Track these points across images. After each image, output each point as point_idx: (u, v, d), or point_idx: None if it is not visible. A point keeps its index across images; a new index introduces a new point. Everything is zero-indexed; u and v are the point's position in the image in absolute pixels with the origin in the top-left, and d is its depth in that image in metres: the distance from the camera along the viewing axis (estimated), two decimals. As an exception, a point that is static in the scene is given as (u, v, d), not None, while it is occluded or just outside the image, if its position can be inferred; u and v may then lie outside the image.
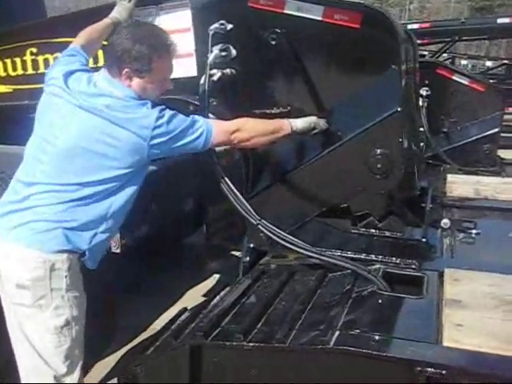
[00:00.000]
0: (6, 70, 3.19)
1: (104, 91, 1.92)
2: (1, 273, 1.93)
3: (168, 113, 1.92)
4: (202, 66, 2.35)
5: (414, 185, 2.56)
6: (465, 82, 4.40)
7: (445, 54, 8.67)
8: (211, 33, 2.30)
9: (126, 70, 1.92)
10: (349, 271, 2.20)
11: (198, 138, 1.96)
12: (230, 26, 2.35)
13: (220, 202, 2.65)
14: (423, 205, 2.73)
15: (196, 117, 2.00)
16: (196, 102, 2.52)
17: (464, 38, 7.84)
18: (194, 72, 2.48)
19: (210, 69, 2.29)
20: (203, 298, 2.82)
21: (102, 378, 2.97)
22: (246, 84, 2.39)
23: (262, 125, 2.17)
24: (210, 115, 2.23)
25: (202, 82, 2.25)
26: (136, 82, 1.94)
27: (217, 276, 4.23)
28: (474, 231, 2.68)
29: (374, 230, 2.39)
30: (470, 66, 15.42)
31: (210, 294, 2.45)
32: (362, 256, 2.38)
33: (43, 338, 1.90)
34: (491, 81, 6.30)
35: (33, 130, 2.04)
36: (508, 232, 2.69)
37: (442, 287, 2.09)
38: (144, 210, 3.21)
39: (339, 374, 1.66)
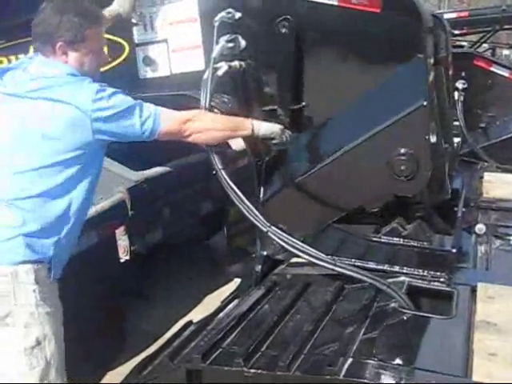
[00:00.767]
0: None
1: (36, 75, 1.80)
2: None
3: (110, 89, 1.78)
4: (209, 59, 2.16)
5: (444, 187, 2.30)
6: (505, 73, 4.07)
7: (485, 45, 8.24)
8: (217, 23, 2.11)
9: (60, 43, 1.79)
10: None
11: (144, 121, 1.79)
12: (238, 15, 2.15)
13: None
14: (455, 209, 2.46)
15: (144, 102, 1.85)
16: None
17: (506, 26, 7.40)
18: (201, 65, 2.29)
19: (216, 62, 2.10)
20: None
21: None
22: (254, 78, 2.18)
23: (221, 119, 2.03)
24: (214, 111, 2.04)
25: (205, 76, 2.05)
26: (72, 56, 1.82)
27: (238, 280, 4.05)
28: (512, 238, 2.41)
29: (397, 239, 2.15)
30: (512, 56, 14.76)
31: (218, 307, 2.25)
32: (385, 267, 2.15)
33: (12, 361, 1.71)
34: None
35: None
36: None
37: (474, 305, 1.84)
38: (156, 214, 3.08)
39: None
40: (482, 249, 2.34)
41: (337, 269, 1.91)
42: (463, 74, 3.88)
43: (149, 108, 1.82)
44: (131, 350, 2.94)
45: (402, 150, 1.97)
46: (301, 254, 1.93)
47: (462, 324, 1.72)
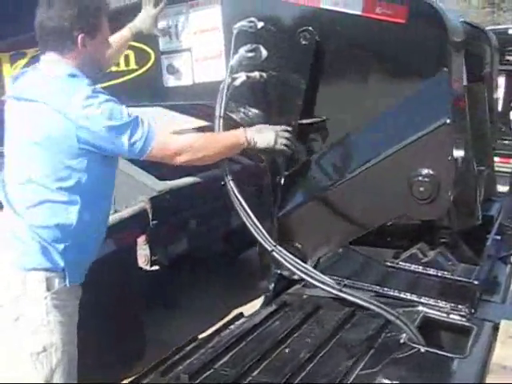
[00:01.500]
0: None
1: (40, 76, 1.77)
2: None
3: (104, 96, 1.69)
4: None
5: (474, 213, 2.13)
6: None
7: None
8: (235, 31, 2.05)
9: (81, 35, 1.74)
10: (381, 312, 1.84)
11: (134, 142, 1.69)
12: (260, 24, 2.09)
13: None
14: (487, 236, 2.27)
15: (142, 118, 1.75)
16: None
17: None
18: (223, 75, 2.24)
19: (234, 71, 2.04)
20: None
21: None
22: (273, 89, 2.11)
23: (213, 142, 1.92)
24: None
25: (221, 86, 2.00)
26: (91, 46, 1.78)
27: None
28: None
29: (416, 266, 2.00)
30: None
31: (223, 323, 2.17)
32: (403, 295, 2.00)
33: (18, 362, 1.72)
34: None
35: None
36: None
37: (492, 345, 1.68)
38: (180, 226, 3.04)
39: None
40: (515, 282, 2.15)
41: (341, 295, 1.79)
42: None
43: (143, 127, 1.72)
44: (148, 361, 2.90)
45: (423, 171, 1.83)
46: (305, 276, 1.83)
47: (475, 365, 1.57)
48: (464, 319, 1.85)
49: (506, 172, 4.14)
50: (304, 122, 2.07)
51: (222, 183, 1.95)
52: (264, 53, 2.10)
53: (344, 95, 2.00)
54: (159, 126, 1.83)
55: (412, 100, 1.85)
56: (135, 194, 2.83)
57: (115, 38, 2.25)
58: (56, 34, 1.75)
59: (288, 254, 1.85)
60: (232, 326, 2.01)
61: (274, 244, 1.87)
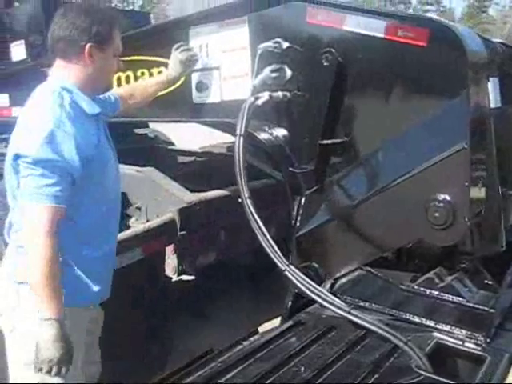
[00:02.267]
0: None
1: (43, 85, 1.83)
2: None
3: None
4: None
5: (498, 238, 2.07)
6: None
7: None
8: (259, 51, 2.10)
9: (90, 44, 1.78)
10: (393, 336, 1.83)
11: (24, 193, 1.67)
12: (286, 45, 2.13)
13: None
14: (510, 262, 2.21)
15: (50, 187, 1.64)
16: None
17: None
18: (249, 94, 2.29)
19: (257, 91, 2.09)
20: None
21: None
22: (297, 109, 2.14)
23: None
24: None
25: (243, 105, 2.05)
26: (98, 58, 1.81)
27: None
28: None
29: (432, 291, 1.97)
30: None
31: (238, 339, 2.20)
32: (418, 320, 1.97)
33: (12, 370, 1.79)
34: None
35: None
36: None
37: (506, 376, 1.64)
38: (209, 237, 3.08)
39: None
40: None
41: (350, 317, 1.79)
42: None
43: (43, 192, 1.63)
44: (170, 368, 2.95)
45: (439, 196, 1.81)
46: (315, 297, 1.84)
47: (481, 397, 1.53)
48: (479, 348, 1.81)
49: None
50: (325, 142, 2.09)
51: (240, 200, 1.99)
52: (288, 73, 2.14)
53: (364, 116, 2.00)
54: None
55: (430, 123, 1.84)
56: (167, 205, 2.90)
57: (151, 83, 2.40)
58: (65, 41, 1.79)
59: (300, 274, 1.87)
60: (245, 342, 2.03)
61: (287, 263, 1.89)
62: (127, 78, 2.70)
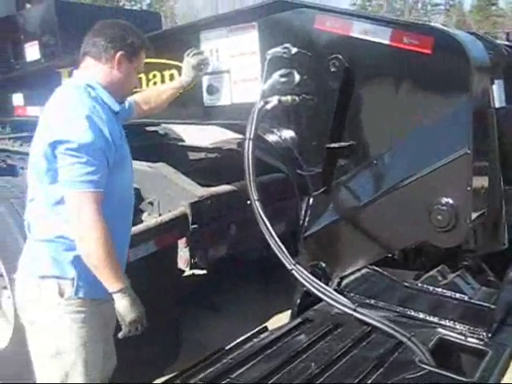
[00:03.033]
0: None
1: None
2: None
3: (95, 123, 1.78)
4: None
5: (499, 236, 2.14)
6: None
7: None
8: (269, 57, 2.17)
9: (122, 53, 1.93)
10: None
11: (72, 177, 1.74)
12: (294, 50, 2.19)
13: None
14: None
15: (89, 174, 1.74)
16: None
17: None
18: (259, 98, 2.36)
19: (266, 95, 2.16)
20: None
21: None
22: (305, 113, 2.21)
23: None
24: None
25: (252, 109, 2.12)
26: (124, 67, 1.95)
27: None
28: None
29: (435, 288, 2.05)
30: None
31: (247, 336, 2.28)
32: (422, 316, 2.05)
33: (35, 362, 1.88)
34: None
35: None
36: None
37: (506, 370, 1.71)
38: (220, 231, 3.15)
39: None
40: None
41: (356, 315, 1.87)
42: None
43: (86, 179, 1.73)
44: (182, 360, 3.03)
45: (442, 199, 1.87)
46: (321, 295, 1.92)
47: (481, 390, 1.61)
48: (481, 343, 1.88)
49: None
50: (332, 146, 2.16)
51: (248, 202, 2.07)
52: (297, 77, 2.21)
53: (370, 121, 2.07)
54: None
55: (434, 129, 1.90)
56: (178, 199, 2.98)
57: (165, 89, 2.48)
58: (98, 47, 1.93)
59: (306, 273, 1.95)
60: (255, 339, 2.11)
61: (294, 262, 1.97)
62: (139, 80, 2.78)
